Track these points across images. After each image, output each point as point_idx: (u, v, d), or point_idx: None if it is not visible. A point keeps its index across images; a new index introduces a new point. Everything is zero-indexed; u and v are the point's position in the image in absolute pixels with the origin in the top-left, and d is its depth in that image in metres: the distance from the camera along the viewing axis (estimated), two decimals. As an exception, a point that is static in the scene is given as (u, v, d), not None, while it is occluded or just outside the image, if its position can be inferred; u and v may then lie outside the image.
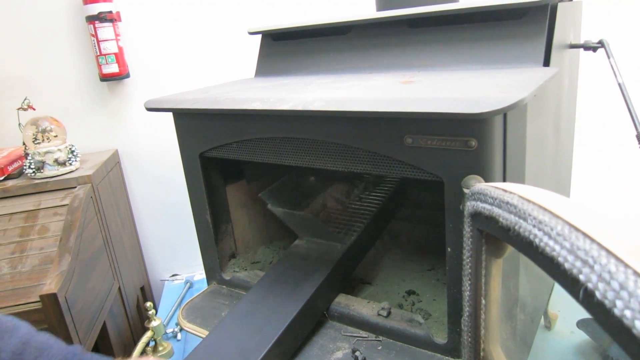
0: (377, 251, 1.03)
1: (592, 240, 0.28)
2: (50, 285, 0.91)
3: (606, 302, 0.25)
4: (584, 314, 0.28)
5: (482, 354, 0.51)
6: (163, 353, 1.09)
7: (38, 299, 0.89)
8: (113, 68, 1.35)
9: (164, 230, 1.60)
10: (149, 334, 1.04)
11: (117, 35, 1.34)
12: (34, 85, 1.40)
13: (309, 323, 0.74)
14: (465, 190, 0.49)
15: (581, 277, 0.27)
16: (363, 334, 0.74)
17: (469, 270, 0.49)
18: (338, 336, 0.74)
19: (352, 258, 0.88)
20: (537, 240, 0.33)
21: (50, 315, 0.90)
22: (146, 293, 1.59)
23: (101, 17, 1.30)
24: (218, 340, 0.67)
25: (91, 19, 1.30)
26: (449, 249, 0.59)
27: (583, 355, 0.89)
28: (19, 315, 0.91)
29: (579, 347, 0.90)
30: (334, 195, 1.10)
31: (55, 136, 1.24)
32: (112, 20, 1.32)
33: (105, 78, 1.37)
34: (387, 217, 1.07)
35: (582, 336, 0.92)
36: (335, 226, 0.95)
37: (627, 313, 0.24)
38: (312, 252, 0.86)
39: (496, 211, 0.40)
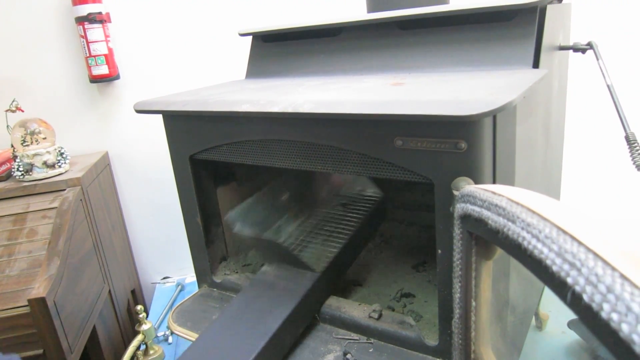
0: (368, 252, 1.03)
1: (580, 243, 0.28)
2: (38, 289, 0.90)
3: (593, 305, 0.25)
4: (575, 315, 0.28)
5: (472, 355, 0.51)
6: (154, 357, 1.08)
7: (26, 303, 0.88)
8: (103, 69, 1.34)
9: (154, 233, 1.59)
10: (139, 337, 1.03)
11: (107, 36, 1.33)
12: (22, 86, 1.39)
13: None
14: (455, 193, 0.49)
15: (569, 280, 0.28)
16: (354, 336, 0.74)
17: (459, 272, 0.49)
18: (329, 339, 0.74)
19: (325, 285, 0.81)
20: (525, 243, 0.33)
21: (38, 319, 0.89)
22: (137, 296, 1.57)
23: (91, 18, 1.29)
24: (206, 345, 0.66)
25: (80, 20, 1.29)
26: (439, 251, 0.59)
27: (574, 356, 0.89)
28: (7, 320, 0.90)
29: (570, 348, 0.91)
30: (307, 216, 1.02)
31: (44, 138, 1.23)
32: (101, 22, 1.31)
33: (95, 79, 1.36)
34: (364, 239, 1.00)
35: (573, 336, 0.92)
36: (308, 251, 0.88)
37: (614, 316, 0.24)
38: (280, 280, 0.79)
39: (485, 213, 0.40)
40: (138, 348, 1.05)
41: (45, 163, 1.20)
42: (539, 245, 0.31)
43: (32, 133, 1.21)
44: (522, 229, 0.34)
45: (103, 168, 1.40)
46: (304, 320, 0.75)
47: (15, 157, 1.20)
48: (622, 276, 0.24)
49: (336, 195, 1.10)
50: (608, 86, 0.79)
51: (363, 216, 0.98)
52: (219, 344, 0.66)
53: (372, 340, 0.72)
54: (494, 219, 0.38)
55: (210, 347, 0.65)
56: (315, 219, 1.00)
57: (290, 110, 0.59)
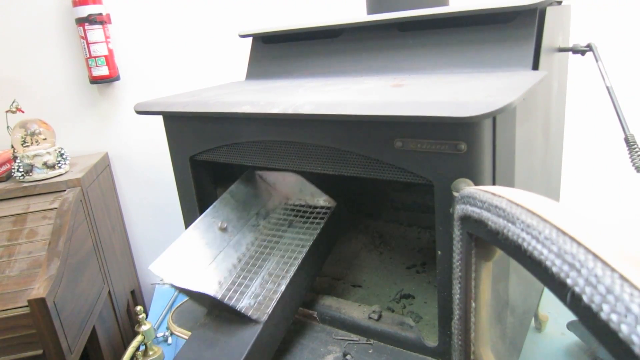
0: (368, 254, 1.03)
1: (579, 244, 0.28)
2: (38, 290, 0.90)
3: (593, 305, 0.25)
4: (574, 316, 0.28)
5: (472, 356, 0.52)
6: (153, 357, 1.08)
7: (26, 304, 0.88)
8: (103, 70, 1.34)
9: (154, 234, 1.59)
10: (139, 338, 1.03)
11: (107, 37, 1.33)
12: (22, 87, 1.39)
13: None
14: (455, 194, 0.49)
15: (568, 281, 0.28)
16: (354, 337, 0.74)
17: (459, 274, 0.49)
18: (329, 340, 0.74)
19: (273, 333, 0.69)
20: (525, 244, 0.33)
21: (38, 320, 0.89)
22: (137, 297, 1.57)
23: (91, 20, 1.29)
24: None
25: (81, 21, 1.29)
26: (439, 252, 0.59)
27: (573, 357, 0.90)
28: (7, 320, 0.90)
29: (569, 349, 0.91)
30: (251, 243, 0.85)
31: (44, 139, 1.23)
32: (102, 23, 1.31)
33: (95, 80, 1.36)
34: (317, 263, 0.82)
35: (572, 338, 0.92)
36: (250, 293, 0.75)
37: (614, 317, 0.24)
38: (221, 335, 0.67)
39: (485, 215, 0.40)
40: (137, 349, 1.04)
41: (45, 164, 1.20)
42: (539, 247, 0.31)
43: (33, 134, 1.21)
44: (522, 230, 0.34)
45: (103, 169, 1.40)
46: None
47: (15, 157, 1.20)
48: (622, 277, 0.24)
49: (283, 209, 0.92)
50: (607, 88, 0.79)
51: (314, 235, 0.80)
52: None
53: (371, 341, 0.72)
54: (494, 220, 0.38)
55: None
56: (259, 245, 0.84)
57: (290, 111, 0.59)
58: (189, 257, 0.76)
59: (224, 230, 0.81)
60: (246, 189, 0.89)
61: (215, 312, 0.71)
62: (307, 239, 0.82)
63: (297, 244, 0.82)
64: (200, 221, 0.79)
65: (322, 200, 0.90)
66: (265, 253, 0.82)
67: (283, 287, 0.71)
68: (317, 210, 0.89)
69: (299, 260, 0.75)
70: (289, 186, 0.93)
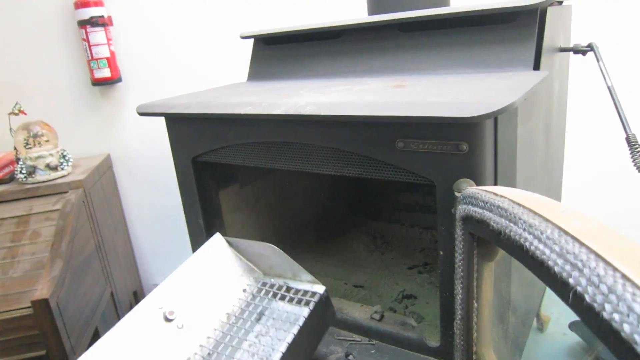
0: (369, 254, 1.03)
1: (581, 244, 0.28)
2: (41, 291, 0.90)
3: (595, 305, 0.26)
4: (576, 316, 0.28)
5: (474, 356, 0.52)
6: (156, 358, 1.08)
7: (29, 305, 0.89)
8: (105, 72, 1.34)
9: (157, 234, 1.59)
10: (141, 339, 1.03)
11: (109, 39, 1.33)
12: (25, 89, 1.40)
13: None
14: (457, 194, 0.50)
15: (570, 281, 0.28)
16: (356, 337, 0.74)
17: (461, 274, 0.50)
18: (331, 340, 0.74)
19: None
20: (527, 244, 0.33)
21: (41, 320, 0.89)
22: (139, 297, 1.58)
23: (93, 22, 1.29)
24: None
25: (83, 24, 1.30)
26: (441, 252, 0.60)
27: (575, 357, 0.89)
28: (10, 321, 0.90)
29: (571, 349, 0.91)
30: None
31: (47, 141, 1.23)
32: (103, 25, 1.31)
33: (97, 82, 1.36)
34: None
35: (574, 338, 0.92)
36: None
37: (616, 316, 0.24)
38: None
39: (487, 215, 0.40)
40: (140, 350, 1.04)
41: (48, 165, 1.20)
42: (541, 247, 0.31)
43: (35, 136, 1.21)
44: (524, 230, 0.34)
45: (105, 170, 1.40)
46: None
47: (18, 159, 1.20)
48: (624, 277, 0.25)
49: (255, 291, 0.70)
50: (609, 88, 0.79)
51: (293, 334, 0.59)
52: None
53: (374, 342, 0.72)
54: (496, 221, 0.39)
55: None
56: (218, 343, 0.62)
57: (292, 112, 0.59)
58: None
59: (169, 321, 0.61)
60: (210, 260, 0.70)
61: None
62: (282, 338, 0.59)
63: (268, 345, 0.60)
64: (140, 308, 0.60)
65: (306, 282, 0.68)
66: (225, 356, 0.60)
67: None
68: (299, 296, 0.66)
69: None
70: (266, 260, 0.71)
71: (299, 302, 0.65)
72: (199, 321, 0.63)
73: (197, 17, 1.39)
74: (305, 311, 0.63)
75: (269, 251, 0.68)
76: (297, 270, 0.68)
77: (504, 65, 0.69)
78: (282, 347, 0.57)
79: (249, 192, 0.94)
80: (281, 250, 0.67)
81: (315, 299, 0.64)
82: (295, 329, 0.60)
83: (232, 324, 0.65)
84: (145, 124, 1.45)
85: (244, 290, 0.70)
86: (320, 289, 0.66)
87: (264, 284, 0.70)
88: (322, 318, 0.65)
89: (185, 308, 0.63)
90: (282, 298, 0.67)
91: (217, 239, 0.72)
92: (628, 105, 0.82)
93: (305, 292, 0.66)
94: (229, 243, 0.73)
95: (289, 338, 0.59)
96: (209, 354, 0.60)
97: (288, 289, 0.68)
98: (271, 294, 0.68)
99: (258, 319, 0.66)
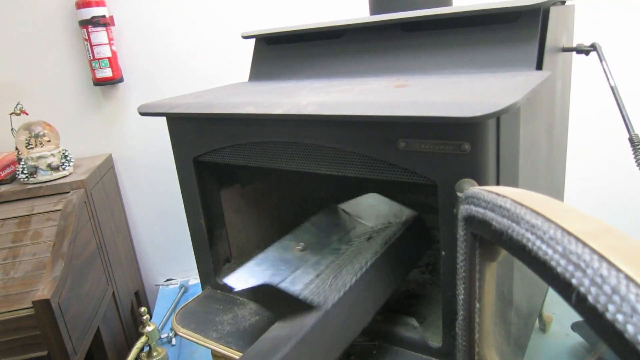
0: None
1: (585, 244, 0.28)
2: (43, 291, 0.90)
3: (598, 306, 0.25)
4: (579, 317, 0.28)
5: (476, 357, 0.51)
6: (157, 358, 1.08)
7: (31, 305, 0.89)
8: (107, 72, 1.35)
9: (158, 235, 1.59)
10: (143, 339, 1.04)
11: (110, 39, 1.33)
12: (26, 90, 1.40)
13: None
14: (459, 194, 0.49)
15: (573, 281, 0.27)
16: (358, 338, 0.73)
17: (463, 274, 0.49)
18: (333, 340, 0.74)
19: (338, 326, 0.66)
20: (529, 244, 0.33)
21: (43, 321, 0.89)
22: (140, 298, 1.58)
23: (94, 22, 1.29)
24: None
25: (84, 24, 1.30)
26: (443, 253, 0.59)
27: (577, 358, 0.89)
28: (12, 322, 0.90)
29: (574, 350, 0.91)
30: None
31: (49, 141, 1.23)
32: (105, 25, 1.31)
33: (99, 82, 1.36)
34: (391, 277, 0.78)
35: (576, 338, 0.92)
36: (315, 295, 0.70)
37: (619, 317, 0.24)
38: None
39: (489, 215, 0.40)
40: (142, 350, 1.05)
41: (49, 166, 1.20)
42: (544, 247, 0.31)
43: (37, 136, 1.21)
44: (527, 230, 0.34)
45: (107, 170, 1.41)
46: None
47: (19, 159, 1.20)
48: (628, 277, 0.24)
49: (367, 232, 0.89)
50: (612, 88, 0.78)
51: (390, 242, 0.79)
52: None
53: (375, 342, 0.72)
54: (498, 221, 0.38)
55: None
56: (339, 264, 0.79)
57: (294, 112, 0.59)
58: (265, 272, 0.73)
59: (302, 251, 0.79)
60: (327, 219, 0.89)
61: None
62: (382, 246, 0.78)
63: (373, 252, 0.77)
64: (278, 243, 0.80)
65: (404, 214, 0.87)
66: (343, 266, 0.76)
67: (350, 284, 0.67)
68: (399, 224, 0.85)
69: (371, 263, 0.72)
70: (371, 211, 0.91)
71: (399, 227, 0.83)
72: (324, 253, 0.82)
73: (199, 16, 1.39)
74: (398, 232, 0.81)
75: (372, 199, 0.92)
76: (397, 208, 0.90)
77: (507, 65, 0.69)
78: (378, 255, 0.74)
79: (251, 192, 0.94)
80: (381, 196, 0.90)
81: (408, 223, 0.84)
82: (390, 242, 0.78)
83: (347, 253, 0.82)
84: (146, 124, 1.45)
85: (359, 235, 0.88)
86: (413, 215, 0.87)
87: (375, 228, 0.89)
88: (416, 236, 0.85)
89: (313, 246, 0.82)
90: (385, 229, 0.85)
91: (332, 206, 0.92)
92: (631, 106, 0.82)
93: (404, 221, 0.86)
94: (342, 208, 0.93)
95: (384, 248, 0.76)
96: (328, 273, 0.75)
97: (390, 223, 0.87)
98: (378, 230, 0.87)
99: (365, 245, 0.83)
